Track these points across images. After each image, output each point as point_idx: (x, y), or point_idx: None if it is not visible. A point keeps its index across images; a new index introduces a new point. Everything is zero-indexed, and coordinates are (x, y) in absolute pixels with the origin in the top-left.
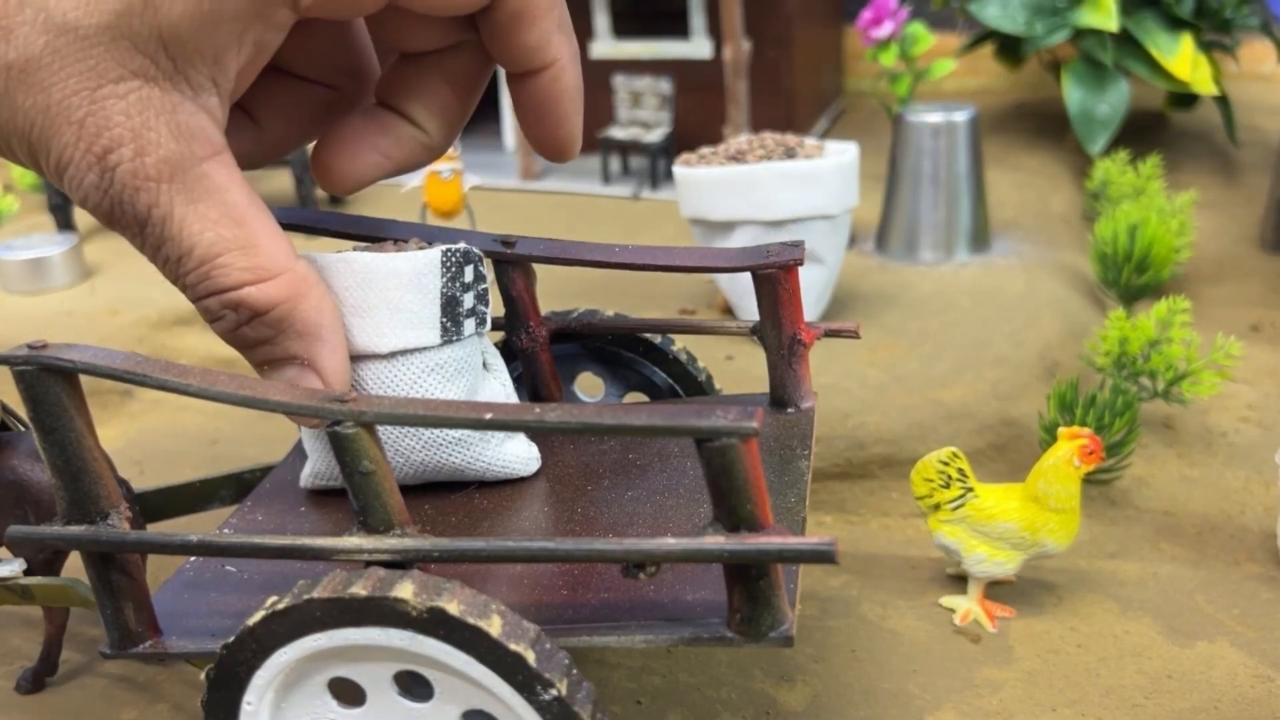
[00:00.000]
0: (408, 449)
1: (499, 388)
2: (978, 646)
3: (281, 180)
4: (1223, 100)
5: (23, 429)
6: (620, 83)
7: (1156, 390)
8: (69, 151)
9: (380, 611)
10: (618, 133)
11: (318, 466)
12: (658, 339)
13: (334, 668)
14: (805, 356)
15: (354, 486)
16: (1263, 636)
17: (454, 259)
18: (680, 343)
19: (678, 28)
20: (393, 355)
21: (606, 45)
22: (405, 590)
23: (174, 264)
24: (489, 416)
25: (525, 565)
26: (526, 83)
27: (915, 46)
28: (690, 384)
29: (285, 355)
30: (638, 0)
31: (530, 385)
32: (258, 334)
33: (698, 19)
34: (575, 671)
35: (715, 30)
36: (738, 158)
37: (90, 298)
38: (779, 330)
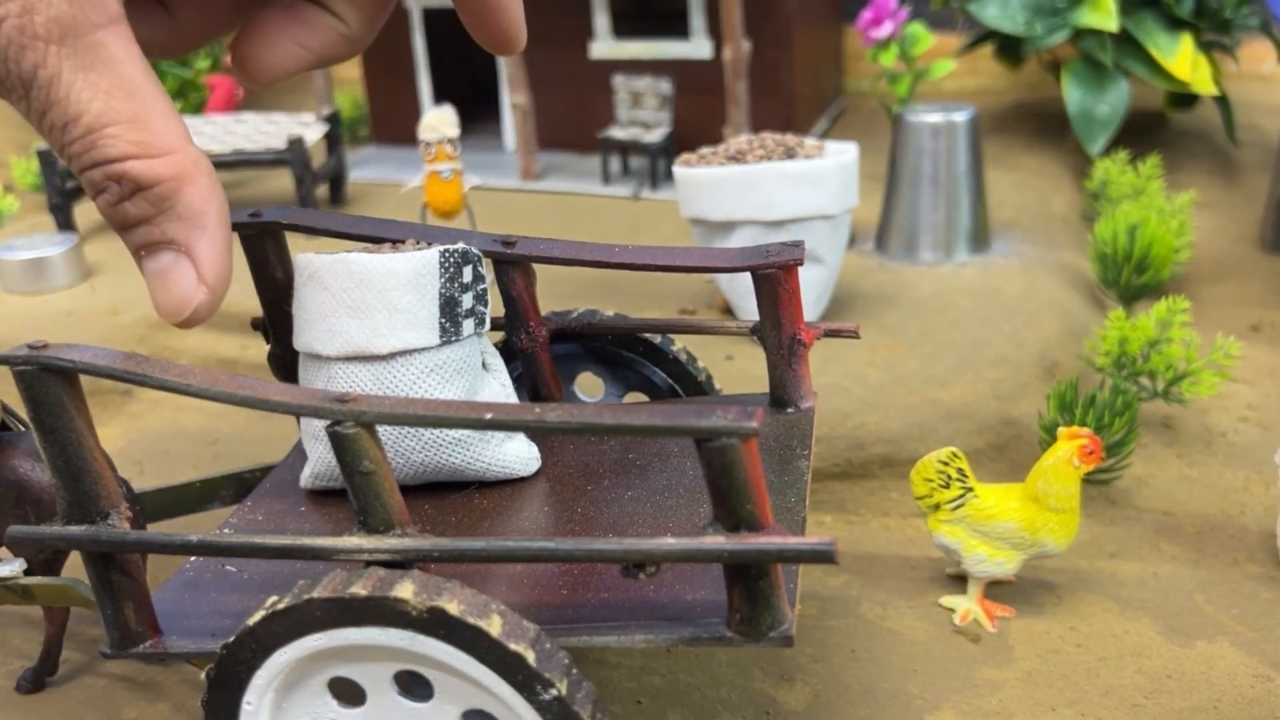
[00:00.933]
0: (408, 449)
1: (499, 388)
2: (977, 646)
3: (282, 180)
4: (1222, 100)
5: (23, 429)
6: (620, 83)
7: (1156, 390)
8: None
9: (380, 611)
10: (618, 133)
11: (318, 467)
12: (658, 339)
13: (334, 667)
14: (805, 356)
15: (354, 486)
16: (1262, 636)
17: (452, 259)
18: (680, 343)
19: (678, 28)
20: (392, 356)
21: (606, 45)
22: (405, 590)
23: (59, 131)
24: (489, 416)
25: (525, 565)
26: None
27: (915, 47)
28: (690, 384)
29: (163, 239)
30: (638, 0)
31: (530, 385)
32: (139, 210)
33: (698, 19)
34: (575, 671)
35: (715, 30)
36: (738, 158)
37: (90, 298)
38: (779, 330)
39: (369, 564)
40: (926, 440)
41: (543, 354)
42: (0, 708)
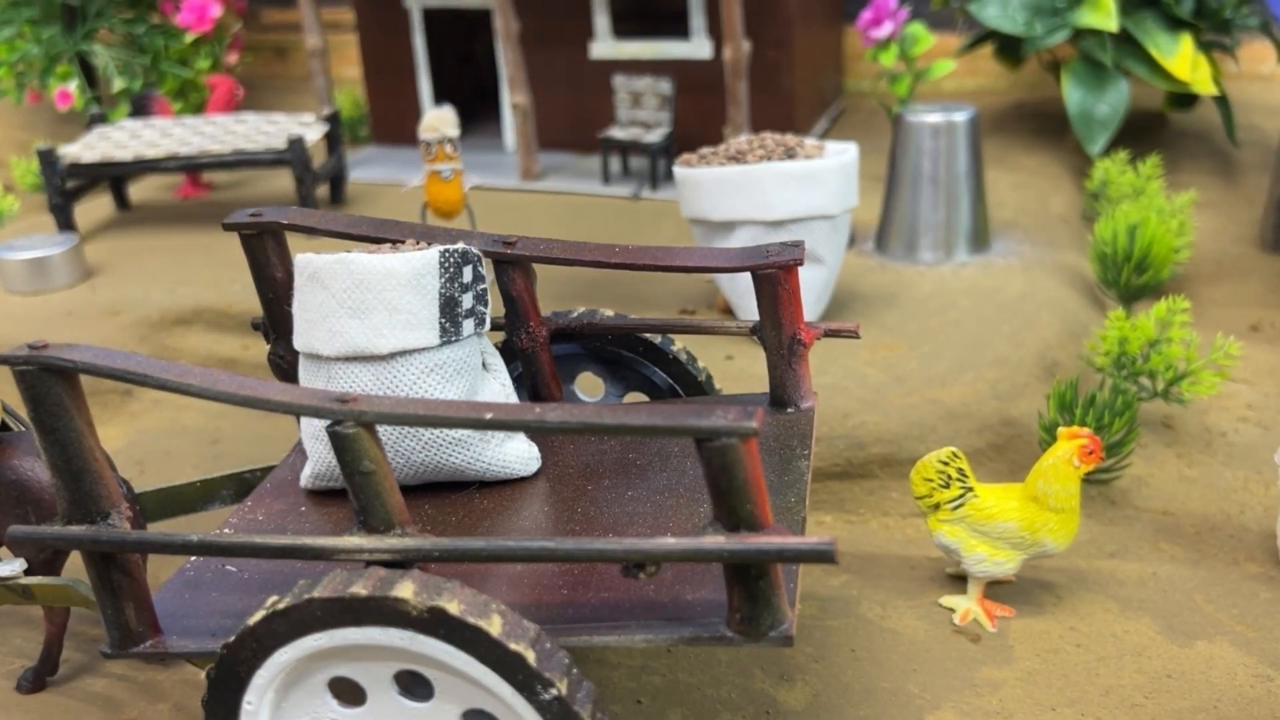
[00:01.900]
0: (408, 449)
1: (499, 388)
2: (977, 646)
3: (282, 180)
4: (1222, 100)
5: (23, 429)
6: (620, 83)
7: (1156, 390)
8: None
9: (380, 611)
10: (618, 133)
11: (318, 467)
12: (658, 339)
13: (334, 667)
14: (805, 356)
15: (354, 486)
16: (1262, 636)
17: (452, 260)
18: (680, 343)
19: (678, 28)
20: (392, 356)
21: (606, 45)
22: (405, 590)
23: None
24: (489, 416)
25: (525, 565)
26: None
27: (915, 47)
28: (690, 384)
29: None
30: (638, 1)
31: (530, 385)
32: None
33: (698, 19)
34: (575, 671)
35: (715, 31)
36: (738, 158)
37: (91, 298)
38: (779, 330)
39: (369, 564)
40: (926, 440)
41: (543, 354)
42: (0, 708)
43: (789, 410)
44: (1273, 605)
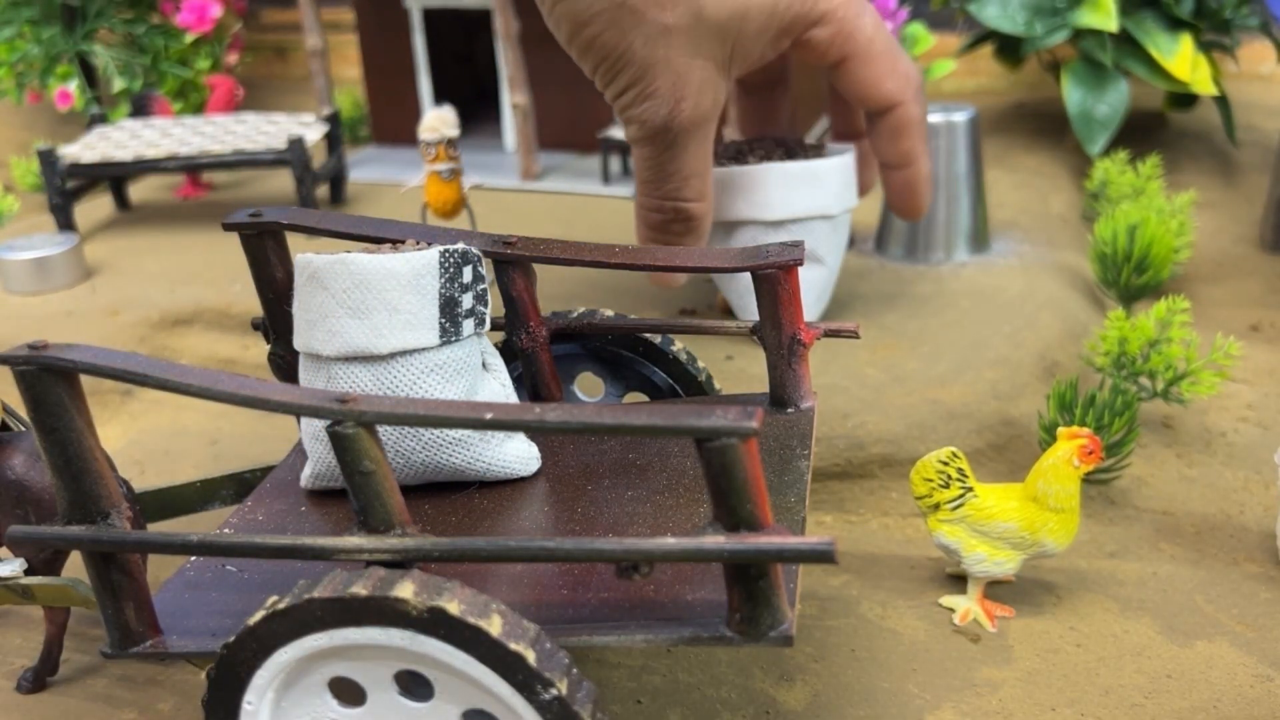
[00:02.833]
0: (408, 449)
1: (499, 388)
2: (977, 646)
3: (282, 180)
4: (1222, 100)
5: (23, 429)
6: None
7: (1156, 390)
8: (660, 90)
9: (380, 611)
10: (618, 133)
11: (318, 468)
12: (657, 339)
13: (334, 667)
14: (805, 356)
15: (354, 486)
16: (1262, 636)
17: (452, 260)
18: (680, 343)
19: None
20: (392, 356)
21: None
22: (405, 590)
23: (662, 179)
24: (489, 416)
25: (525, 565)
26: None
27: (915, 47)
28: (690, 384)
29: (678, 240)
30: None
31: (530, 385)
32: (679, 229)
33: None
34: (575, 671)
35: None
36: (738, 158)
37: (91, 298)
38: (779, 330)
39: (369, 564)
40: (926, 440)
41: (543, 354)
42: (0, 708)
43: (789, 410)
44: (1273, 605)
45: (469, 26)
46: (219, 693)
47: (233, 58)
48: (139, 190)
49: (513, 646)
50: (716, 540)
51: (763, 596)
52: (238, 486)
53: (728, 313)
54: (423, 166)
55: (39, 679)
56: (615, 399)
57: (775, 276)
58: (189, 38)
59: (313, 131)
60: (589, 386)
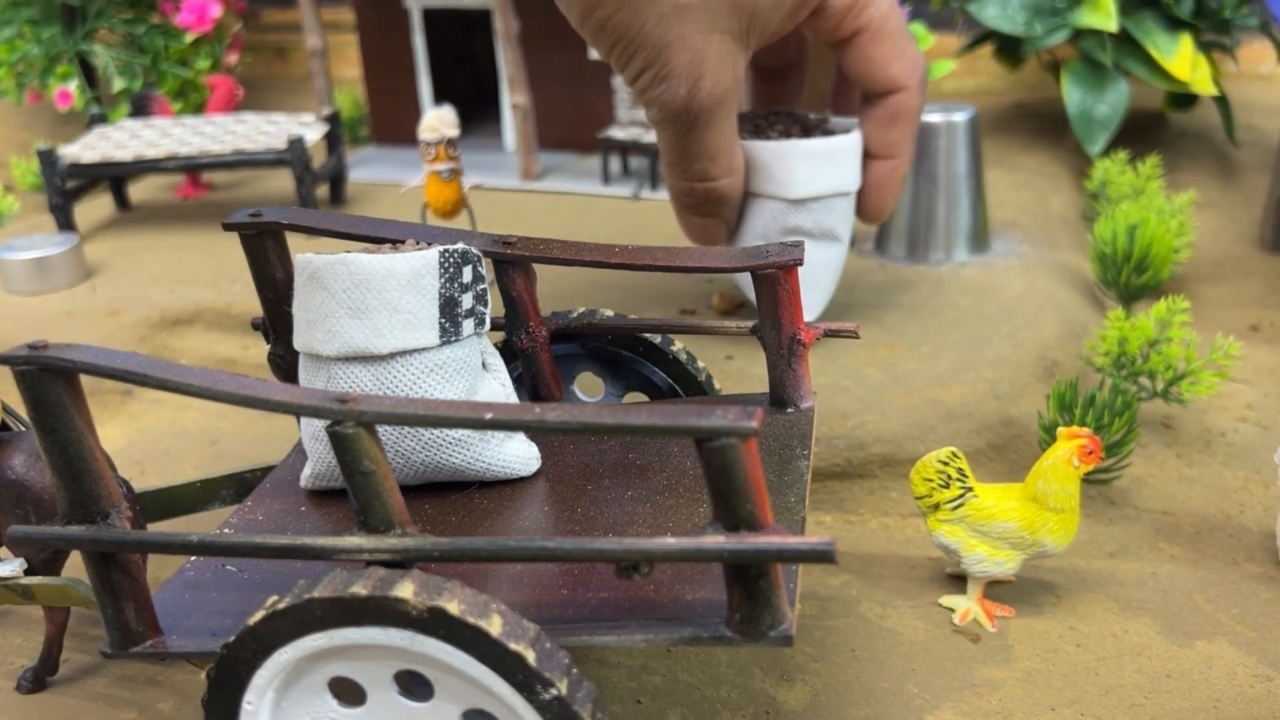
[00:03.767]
0: (408, 449)
1: (499, 388)
2: (977, 646)
3: (282, 180)
4: (1222, 100)
5: (23, 429)
6: (620, 83)
7: (1156, 390)
8: (677, 69)
9: (380, 611)
10: (618, 133)
11: (318, 467)
12: (657, 339)
13: (334, 667)
14: (805, 356)
15: (354, 486)
16: (1262, 636)
17: (452, 260)
18: (680, 343)
19: None
20: (392, 356)
21: None
22: (405, 590)
23: (689, 160)
24: (489, 416)
25: (525, 565)
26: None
27: None
28: (690, 384)
29: (716, 217)
30: None
31: (530, 385)
32: (709, 206)
33: None
34: (575, 671)
35: None
36: (756, 133)
37: (91, 298)
38: (779, 330)
39: (369, 564)
40: (926, 440)
41: (543, 354)
42: (0, 708)
43: (789, 410)
44: (1272, 605)
45: (469, 26)
46: (219, 692)
47: (233, 58)
48: (139, 190)
49: (513, 646)
50: (716, 540)
51: (763, 596)
52: (238, 486)
53: (728, 313)
54: (422, 166)
55: (39, 679)
56: (615, 399)
57: (775, 276)
58: (189, 38)
59: (313, 131)
60: (589, 386)
